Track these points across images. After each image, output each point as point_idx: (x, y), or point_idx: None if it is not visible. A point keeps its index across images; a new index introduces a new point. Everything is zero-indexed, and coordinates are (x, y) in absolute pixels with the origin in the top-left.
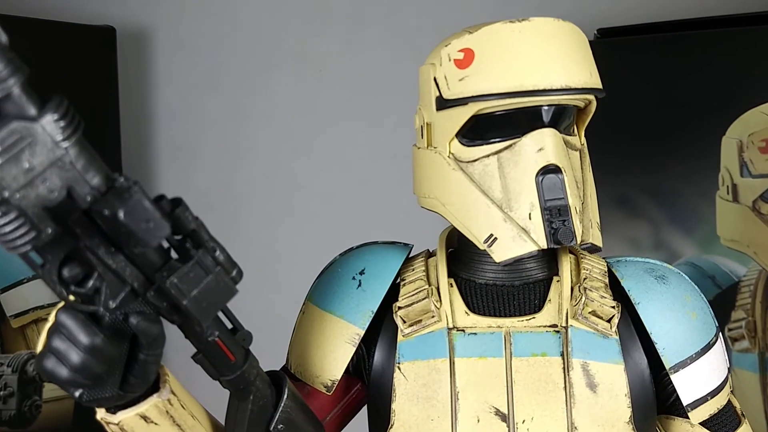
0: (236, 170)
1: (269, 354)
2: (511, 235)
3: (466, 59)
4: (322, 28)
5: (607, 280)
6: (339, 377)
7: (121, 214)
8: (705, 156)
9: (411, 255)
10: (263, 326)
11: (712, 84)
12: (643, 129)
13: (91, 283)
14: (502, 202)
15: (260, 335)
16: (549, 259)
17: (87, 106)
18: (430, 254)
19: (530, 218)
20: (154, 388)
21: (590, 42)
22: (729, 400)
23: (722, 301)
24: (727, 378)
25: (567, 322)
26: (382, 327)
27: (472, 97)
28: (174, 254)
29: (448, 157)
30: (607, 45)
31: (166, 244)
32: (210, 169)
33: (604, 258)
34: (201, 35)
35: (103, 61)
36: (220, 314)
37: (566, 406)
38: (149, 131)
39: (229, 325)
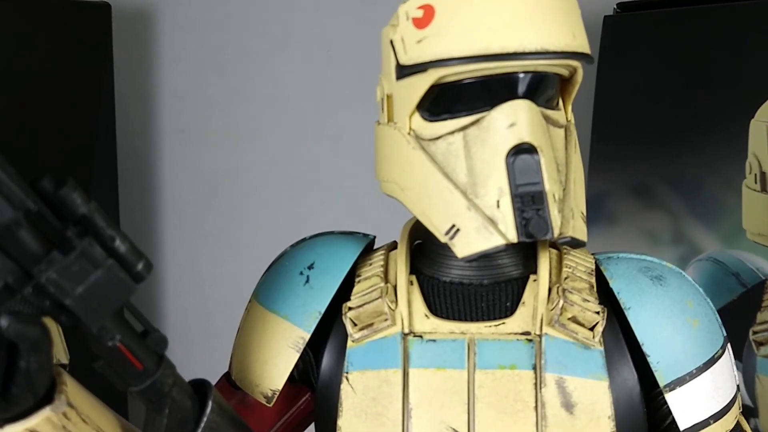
0: (243, 154)
1: None
2: (476, 227)
3: (426, 17)
4: (330, 5)
5: (593, 280)
6: (280, 387)
7: None
8: (731, 141)
9: (376, 247)
10: None
11: (744, 63)
12: (664, 112)
13: None
14: (466, 187)
15: None
16: (526, 254)
17: (78, 88)
18: (393, 247)
19: (498, 206)
20: (49, 398)
21: (609, 17)
22: (738, 423)
23: (747, 300)
24: (735, 398)
25: (542, 330)
26: (332, 330)
27: (431, 62)
28: None
29: (408, 134)
30: (627, 20)
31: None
32: (215, 152)
33: (593, 254)
34: (204, 13)
35: (97, 40)
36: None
37: (536, 429)
38: (151, 114)
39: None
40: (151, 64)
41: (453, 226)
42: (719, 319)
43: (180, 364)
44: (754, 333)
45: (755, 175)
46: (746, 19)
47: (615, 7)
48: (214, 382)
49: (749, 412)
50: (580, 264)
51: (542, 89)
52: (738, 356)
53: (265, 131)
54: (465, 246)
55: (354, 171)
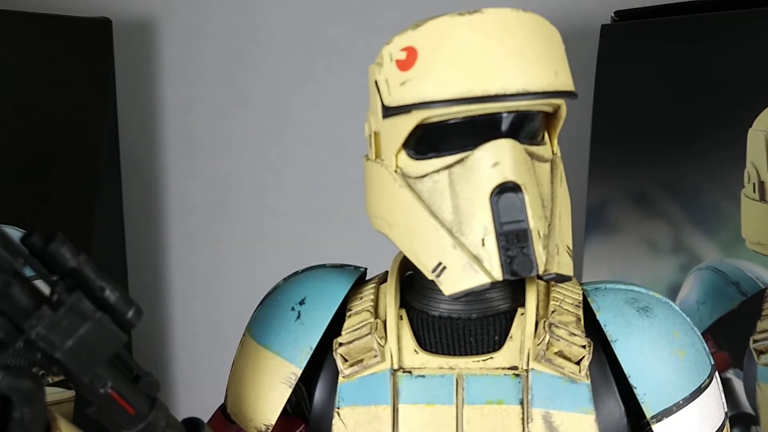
0: (247, 164)
1: None
2: (461, 265)
3: (409, 59)
4: (332, 15)
5: (580, 313)
6: (273, 422)
7: None
8: (730, 149)
9: (369, 278)
10: None
11: (742, 70)
12: (663, 119)
13: None
14: (452, 226)
15: None
16: (514, 288)
17: (80, 106)
18: (385, 278)
19: (483, 245)
20: None
21: (607, 26)
22: None
23: (747, 310)
24: (723, 426)
25: (528, 365)
26: (323, 364)
27: (415, 104)
28: None
29: (395, 171)
30: (625, 29)
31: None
32: (220, 163)
33: (582, 284)
34: (205, 24)
35: (98, 56)
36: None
37: None
38: (154, 126)
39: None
40: (154, 76)
41: (440, 263)
42: (707, 348)
43: (187, 373)
44: (755, 342)
45: (753, 184)
46: (746, 26)
47: (613, 15)
48: (222, 391)
49: (750, 419)
50: (567, 296)
51: (526, 126)
52: (739, 365)
53: (269, 140)
54: (451, 283)
55: (359, 178)
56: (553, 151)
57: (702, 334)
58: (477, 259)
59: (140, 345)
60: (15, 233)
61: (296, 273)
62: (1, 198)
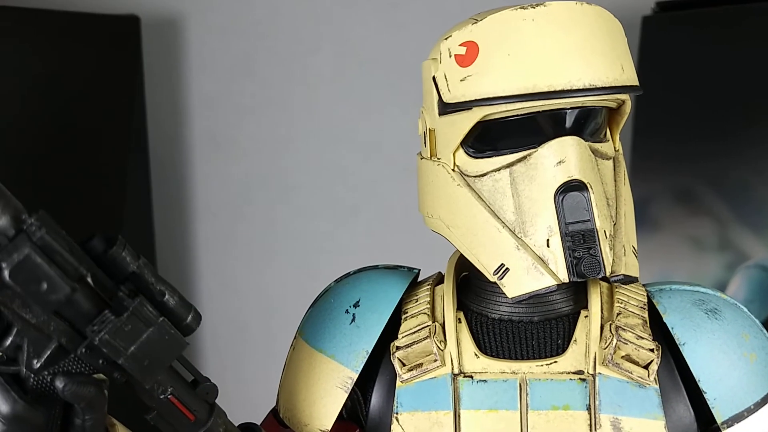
0: (275, 161)
1: None
2: (525, 266)
3: (469, 55)
4: (360, 9)
5: (646, 315)
6: (329, 427)
7: (5, 275)
8: None
9: (420, 279)
10: None
11: None
12: (705, 111)
13: (9, 340)
14: (515, 226)
15: None
16: (576, 289)
17: (111, 102)
18: (440, 279)
19: (548, 246)
20: None
21: (647, 17)
22: None
23: None
24: None
25: (595, 369)
26: (380, 368)
27: (476, 100)
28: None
29: (453, 170)
30: (667, 19)
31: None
32: (248, 160)
33: (644, 285)
34: (233, 20)
35: (128, 53)
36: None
37: None
38: (182, 123)
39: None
40: (182, 73)
41: (502, 265)
42: None
43: (214, 371)
44: None
45: None
46: None
47: (653, 6)
48: (250, 390)
49: None
50: (631, 298)
51: (590, 123)
52: None
53: (296, 137)
54: (515, 286)
55: (388, 176)
56: (615, 148)
57: None
58: (542, 261)
59: None
60: None
61: (348, 275)
62: (31, 197)
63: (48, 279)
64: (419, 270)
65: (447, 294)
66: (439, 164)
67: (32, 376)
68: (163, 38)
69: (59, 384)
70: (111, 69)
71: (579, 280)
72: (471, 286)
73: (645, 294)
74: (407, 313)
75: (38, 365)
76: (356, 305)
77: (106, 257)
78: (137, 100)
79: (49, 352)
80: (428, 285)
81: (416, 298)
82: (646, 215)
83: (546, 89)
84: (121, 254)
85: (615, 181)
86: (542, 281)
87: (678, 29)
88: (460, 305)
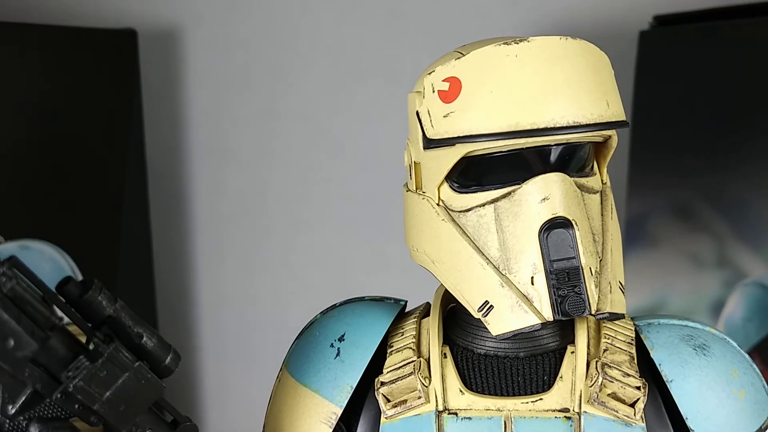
0: (272, 172)
1: None
2: (510, 304)
3: (452, 91)
4: (357, 21)
5: (633, 351)
6: None
7: None
8: None
9: (409, 309)
10: None
11: None
12: (703, 126)
13: None
14: (499, 263)
15: None
16: (564, 324)
17: (108, 116)
18: (427, 311)
19: (533, 283)
20: None
21: (645, 32)
22: None
23: None
24: None
25: (581, 407)
26: (365, 402)
27: (459, 137)
28: None
29: (438, 204)
30: (664, 34)
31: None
32: (244, 171)
33: (633, 319)
34: (229, 32)
35: (124, 68)
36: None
37: None
38: (180, 136)
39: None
40: (179, 86)
41: (486, 302)
42: (767, 387)
43: (216, 384)
44: None
45: None
46: None
47: (651, 21)
48: (249, 407)
49: None
50: (619, 333)
51: (575, 158)
52: None
53: (294, 149)
54: (499, 324)
55: (386, 187)
56: (602, 181)
57: (748, 352)
58: (526, 299)
59: None
60: (47, 250)
61: (334, 306)
62: (30, 211)
63: (14, 335)
64: (406, 302)
65: (432, 328)
66: (424, 198)
67: (7, 421)
68: (160, 51)
69: (34, 430)
70: (108, 83)
71: (563, 319)
72: (457, 319)
73: (633, 329)
74: (392, 347)
75: (13, 411)
76: (341, 339)
77: (82, 301)
78: (135, 113)
79: (24, 398)
80: (415, 318)
81: (402, 331)
82: (644, 231)
83: (529, 127)
84: (97, 298)
85: (602, 215)
86: (526, 319)
87: (676, 44)
88: (446, 339)
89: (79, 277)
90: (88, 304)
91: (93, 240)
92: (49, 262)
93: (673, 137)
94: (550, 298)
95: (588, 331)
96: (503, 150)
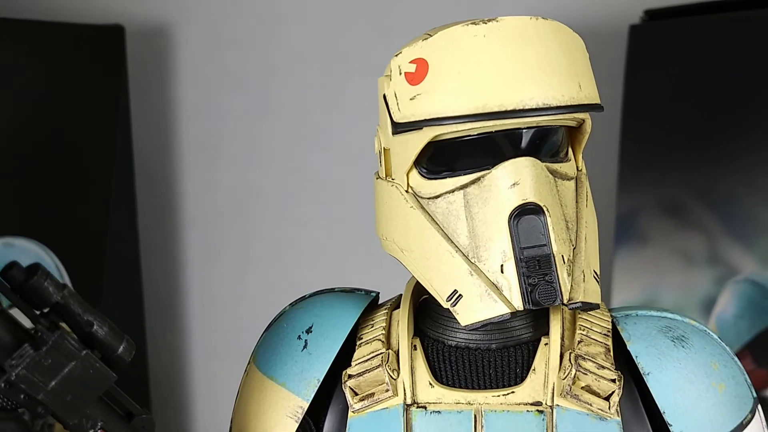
0: (262, 170)
1: None
2: (479, 293)
3: (419, 73)
4: (349, 18)
5: (609, 343)
6: None
7: None
8: (764, 151)
9: (382, 302)
10: None
11: None
12: (694, 121)
13: None
14: (468, 250)
15: None
16: (537, 315)
17: (95, 113)
18: (399, 303)
19: (502, 271)
20: None
21: (635, 26)
22: None
23: None
24: None
25: (553, 400)
26: (332, 395)
27: (426, 120)
28: None
29: (406, 191)
30: (655, 29)
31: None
32: (234, 169)
33: (610, 310)
34: (219, 30)
35: (111, 63)
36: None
37: None
38: (168, 134)
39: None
40: (167, 82)
41: (455, 291)
42: (749, 380)
43: (205, 385)
44: None
45: None
46: None
47: (641, 15)
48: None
49: None
50: (595, 324)
51: (547, 142)
52: None
53: (284, 147)
54: (468, 313)
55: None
56: (578, 168)
57: (740, 350)
58: (496, 287)
59: (160, 356)
60: (32, 248)
61: (303, 298)
62: (14, 209)
63: None
64: (378, 293)
65: (402, 320)
66: (393, 185)
67: None
68: (148, 48)
69: None
70: (95, 79)
71: (533, 308)
72: (429, 311)
73: (610, 320)
74: (362, 339)
75: None
76: (309, 331)
77: (27, 286)
78: (122, 110)
79: None
80: (386, 309)
81: (372, 323)
82: (634, 228)
83: (497, 109)
84: (43, 284)
85: (576, 202)
86: (495, 309)
87: (666, 38)
88: (417, 331)
89: (65, 276)
90: (34, 289)
91: (79, 238)
92: (34, 259)
93: (663, 133)
94: (521, 286)
95: (563, 323)
96: (472, 134)
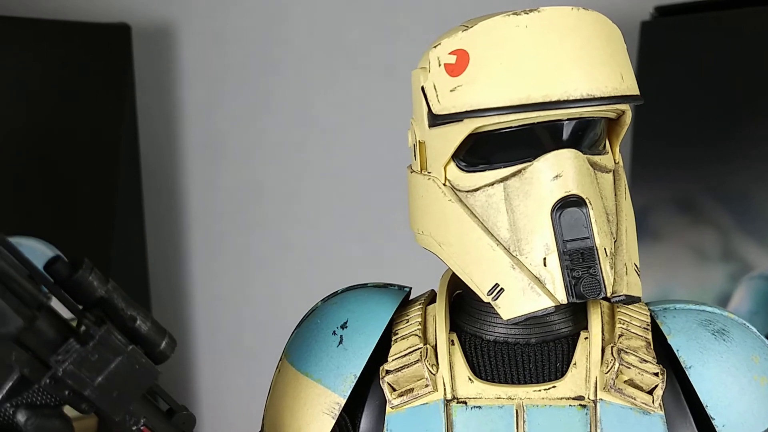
0: (268, 170)
1: None
2: (521, 287)
3: (459, 64)
4: (355, 14)
5: (649, 337)
6: None
7: None
8: None
9: (413, 297)
10: None
11: None
12: (706, 117)
13: None
14: (509, 244)
15: None
16: (575, 309)
17: (101, 112)
18: (433, 298)
19: (545, 265)
20: None
21: (646, 22)
22: None
23: None
24: None
25: (596, 395)
26: (369, 391)
27: (467, 112)
28: None
29: (444, 185)
30: (665, 25)
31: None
32: (240, 169)
33: (647, 304)
34: (224, 28)
35: (118, 62)
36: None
37: None
38: (174, 132)
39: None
40: (173, 81)
41: (496, 285)
42: None
43: (210, 382)
44: None
45: None
46: None
47: (652, 11)
48: (244, 402)
49: None
50: (634, 318)
51: (588, 135)
52: None
53: (290, 145)
54: (510, 307)
55: (383, 184)
56: (615, 161)
57: None
58: (538, 281)
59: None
60: (39, 246)
61: (335, 294)
62: (21, 208)
63: None
64: (410, 288)
65: (439, 314)
66: (429, 178)
67: None
68: (154, 46)
69: (22, 418)
70: (101, 78)
71: (578, 301)
72: (464, 305)
73: (648, 314)
74: (397, 334)
75: None
76: (344, 326)
77: (72, 281)
78: (128, 109)
79: (10, 384)
80: (420, 304)
81: (407, 318)
82: (647, 225)
83: (541, 100)
84: (88, 278)
85: (615, 195)
86: (539, 302)
87: (677, 34)
88: (453, 326)
89: None
90: (78, 284)
91: (86, 237)
92: (41, 258)
93: (675, 129)
94: (564, 279)
95: (602, 316)
96: (513, 125)
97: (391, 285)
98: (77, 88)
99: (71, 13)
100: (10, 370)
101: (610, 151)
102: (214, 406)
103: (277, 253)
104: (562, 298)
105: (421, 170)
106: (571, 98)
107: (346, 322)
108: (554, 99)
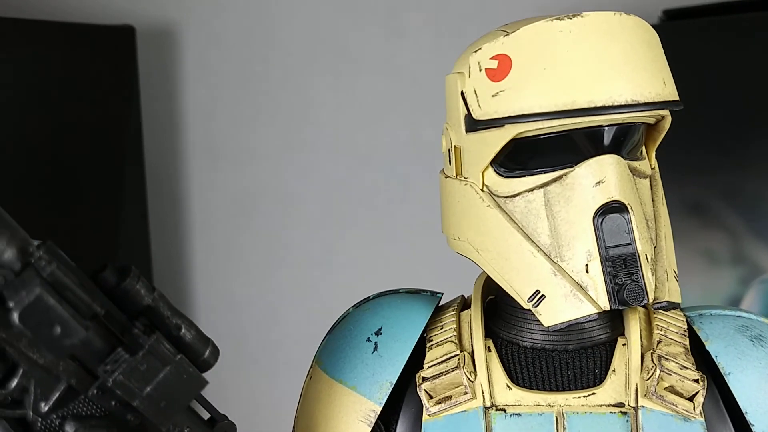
0: (273, 172)
1: (305, 366)
2: (563, 293)
3: (501, 69)
4: (359, 18)
5: (687, 342)
6: None
7: (14, 317)
8: None
9: (442, 303)
10: (302, 337)
11: None
12: (715, 121)
13: (15, 381)
14: (550, 250)
15: (298, 347)
16: (613, 315)
17: (106, 114)
18: (465, 304)
19: (587, 271)
20: None
21: (655, 27)
22: None
23: None
24: None
25: (637, 401)
26: (404, 399)
27: (510, 117)
28: None
29: (482, 190)
30: (674, 29)
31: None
32: (244, 171)
33: (682, 310)
34: (229, 31)
35: (122, 64)
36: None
37: None
38: (178, 134)
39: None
40: (178, 83)
41: (537, 292)
42: None
43: (213, 386)
44: None
45: None
46: None
47: (660, 15)
48: (245, 405)
49: None
50: (671, 324)
51: (628, 141)
52: None
53: (294, 147)
54: (552, 314)
55: (388, 186)
56: (651, 166)
57: None
58: (581, 287)
59: None
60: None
61: (367, 299)
62: (26, 210)
63: (62, 322)
64: (442, 294)
65: (475, 321)
66: (466, 184)
67: (40, 420)
68: (158, 48)
69: (69, 429)
70: (106, 80)
71: (621, 308)
72: (499, 311)
73: (684, 320)
74: (432, 341)
75: (46, 408)
76: (378, 333)
77: (119, 290)
78: (133, 111)
79: (58, 394)
80: (453, 310)
81: (441, 324)
82: None
83: (586, 105)
84: (135, 287)
85: (653, 201)
86: (582, 309)
87: (686, 38)
88: (488, 332)
89: None
90: (126, 292)
91: (90, 239)
92: None
93: (686, 133)
94: (606, 286)
95: (639, 323)
96: (555, 131)
97: (424, 291)
98: (82, 90)
99: (77, 15)
100: (58, 381)
101: (647, 157)
102: (221, 410)
103: (282, 255)
104: (605, 304)
105: (457, 175)
106: (615, 104)
107: (380, 329)
108: (599, 105)
